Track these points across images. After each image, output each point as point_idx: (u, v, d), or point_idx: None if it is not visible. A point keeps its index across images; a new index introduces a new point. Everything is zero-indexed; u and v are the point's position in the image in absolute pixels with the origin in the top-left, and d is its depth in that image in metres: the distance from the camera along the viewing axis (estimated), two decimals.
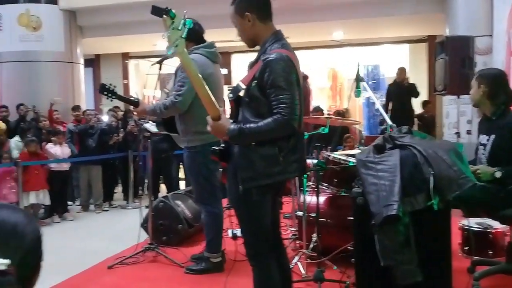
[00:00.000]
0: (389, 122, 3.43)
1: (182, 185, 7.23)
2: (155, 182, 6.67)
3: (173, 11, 2.05)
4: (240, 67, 10.73)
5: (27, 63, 8.17)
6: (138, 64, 12.33)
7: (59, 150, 6.34)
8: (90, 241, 5.01)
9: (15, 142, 6.35)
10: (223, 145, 2.22)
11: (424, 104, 8.98)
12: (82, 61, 9.23)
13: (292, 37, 10.04)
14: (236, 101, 2.20)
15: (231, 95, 2.21)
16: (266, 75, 2.07)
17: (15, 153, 6.06)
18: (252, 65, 2.28)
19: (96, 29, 9.23)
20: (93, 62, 11.75)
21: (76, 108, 7.55)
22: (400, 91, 8.26)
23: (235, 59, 10.97)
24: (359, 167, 2.56)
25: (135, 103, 3.53)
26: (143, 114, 3.72)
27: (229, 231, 4.47)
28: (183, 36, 2.03)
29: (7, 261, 0.77)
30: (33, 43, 8.22)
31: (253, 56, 2.48)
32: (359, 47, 10.62)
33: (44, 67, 8.26)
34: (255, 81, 2.11)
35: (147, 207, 4.75)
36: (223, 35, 7.19)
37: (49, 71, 8.30)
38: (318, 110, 7.36)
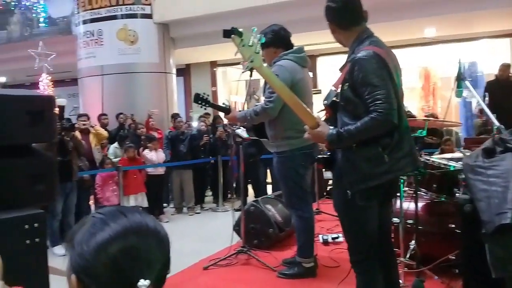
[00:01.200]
0: (497, 123, 3.15)
1: (269, 189, 7.29)
2: (244, 186, 6.78)
3: (240, 29, 2.11)
4: (326, 70, 10.59)
5: (126, 75, 8.74)
6: (225, 71, 12.68)
7: (154, 155, 6.70)
8: (185, 242, 5.20)
9: (113, 149, 6.82)
10: (329, 153, 2.18)
11: None
12: (174, 71, 9.69)
13: (381, 36, 9.72)
14: (332, 106, 2.15)
15: (325, 101, 2.18)
16: (355, 75, 2.03)
17: (114, 159, 6.50)
18: (342, 67, 2.23)
19: (187, 39, 9.64)
20: (183, 71, 12.29)
21: (175, 115, 7.91)
22: (502, 89, 7.60)
23: (321, 62, 10.87)
24: (466, 172, 2.38)
25: (227, 110, 3.61)
26: (234, 121, 3.79)
27: (320, 236, 4.41)
28: (257, 51, 2.08)
29: (147, 283, 0.79)
30: (130, 56, 8.79)
31: (339, 58, 2.46)
32: (453, 44, 9.98)
33: (140, 78, 8.80)
34: (347, 83, 2.06)
35: (236, 210, 4.84)
36: (308, 39, 7.17)
37: (145, 82, 8.83)
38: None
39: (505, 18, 8.43)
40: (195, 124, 8.18)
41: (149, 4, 8.96)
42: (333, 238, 4.41)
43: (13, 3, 11.52)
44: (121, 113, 7.86)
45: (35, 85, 10.50)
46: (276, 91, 2.24)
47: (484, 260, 2.20)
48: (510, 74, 7.78)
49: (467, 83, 3.39)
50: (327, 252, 4.04)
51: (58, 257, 4.39)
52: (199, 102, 3.63)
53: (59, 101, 5.75)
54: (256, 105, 3.56)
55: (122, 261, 0.80)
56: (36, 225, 2.46)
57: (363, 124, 1.98)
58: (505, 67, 7.79)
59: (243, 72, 3.96)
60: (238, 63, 11.85)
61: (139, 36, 8.86)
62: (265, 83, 3.47)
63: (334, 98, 2.13)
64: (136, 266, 0.80)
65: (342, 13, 2.20)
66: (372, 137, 2.02)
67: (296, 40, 3.67)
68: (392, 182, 2.20)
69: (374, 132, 2.00)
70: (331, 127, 2.11)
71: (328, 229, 4.80)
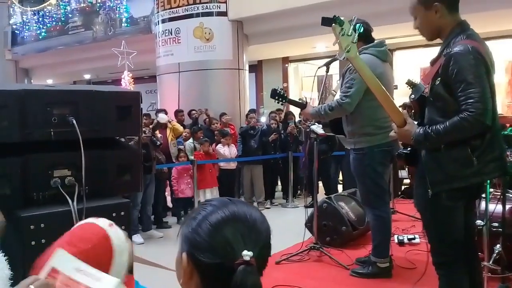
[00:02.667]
0: None
1: (339, 187, 7.19)
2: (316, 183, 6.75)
3: (342, 18, 2.05)
4: (403, 65, 10.22)
5: (201, 72, 9.00)
6: (297, 67, 12.66)
7: (227, 150, 6.86)
8: None
9: (188, 144, 7.06)
10: (409, 148, 2.12)
11: None
12: (247, 67, 9.83)
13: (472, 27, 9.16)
14: (420, 101, 2.07)
15: (413, 96, 2.10)
16: (450, 70, 1.92)
17: (189, 154, 6.73)
18: (434, 61, 2.13)
19: (260, 36, 9.74)
20: (255, 67, 12.44)
21: (251, 111, 8.04)
22: None
23: (398, 56, 10.51)
24: None
25: (303, 105, 3.61)
26: (307, 116, 3.78)
27: (395, 236, 4.29)
28: (354, 41, 2.03)
29: (250, 253, 0.84)
30: (206, 53, 9.05)
31: (417, 53, 2.35)
32: None
33: (215, 75, 9.02)
34: (439, 78, 1.97)
35: (307, 207, 4.82)
36: (385, 32, 6.94)
37: (219, 78, 9.04)
38: None
39: None
40: (263, 119, 8.24)
41: (225, 2, 9.14)
42: (409, 239, 4.27)
43: (98, 4, 12.27)
44: (193, 110, 8.11)
45: (117, 81, 11.14)
46: (368, 84, 2.18)
47: None
48: None
49: None
50: (403, 253, 3.92)
51: (137, 245, 4.64)
52: (276, 97, 3.66)
53: (161, 118, 6.24)
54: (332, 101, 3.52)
55: (230, 236, 0.87)
56: (122, 213, 2.62)
57: (451, 125, 1.88)
58: None
59: (319, 68, 3.95)
60: (309, 59, 11.82)
61: (214, 34, 9.07)
62: (343, 79, 3.43)
63: (423, 93, 2.05)
64: (241, 241, 0.86)
65: None
66: (461, 138, 1.93)
67: (375, 33, 3.59)
68: (479, 185, 2.08)
69: (464, 134, 1.91)
70: (418, 126, 2.03)
71: (404, 229, 4.65)
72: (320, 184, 7.34)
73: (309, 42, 9.72)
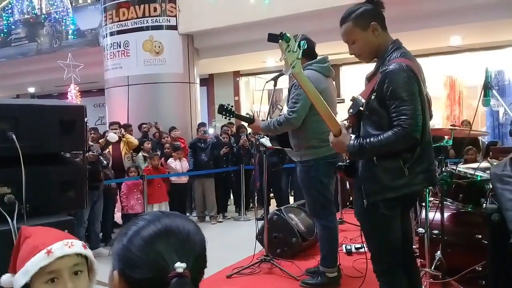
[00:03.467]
0: None
1: (291, 199, 7.29)
2: (267, 195, 6.80)
3: (288, 34, 2.12)
4: (349, 79, 10.57)
5: (151, 85, 8.92)
6: (248, 81, 12.79)
7: (179, 164, 6.79)
8: (207, 250, 5.24)
9: (139, 157, 6.94)
10: (348, 161, 2.19)
11: None
12: (198, 81, 9.83)
13: (406, 45, 9.64)
14: (357, 115, 2.16)
15: (351, 110, 2.18)
16: (385, 87, 2.01)
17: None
18: (370, 77, 2.23)
19: (210, 50, 9.78)
20: (207, 81, 12.45)
21: (201, 125, 8.00)
22: None
23: (344, 71, 10.86)
24: (494, 181, 2.35)
25: (250, 120, 3.65)
26: (257, 130, 3.83)
27: (343, 246, 4.39)
28: (298, 57, 2.09)
29: (183, 265, 0.84)
30: (156, 67, 8.98)
31: (362, 68, 2.44)
32: (479, 52, 9.84)
33: (165, 88, 8.97)
34: (374, 94, 2.06)
35: (259, 219, 4.85)
36: (332, 48, 7.18)
37: (170, 92, 9.00)
38: None
39: None
40: (211, 131, 8.23)
41: (175, 16, 9.14)
42: (356, 248, 4.38)
43: (43, 15, 11.90)
44: (143, 123, 8.00)
45: (63, 95, 10.80)
46: (308, 96, 2.25)
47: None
48: None
49: (494, 91, 3.34)
50: (351, 262, 4.01)
51: None
52: (224, 113, 3.69)
53: (111, 137, 6.11)
54: (280, 115, 3.58)
55: (162, 249, 0.86)
56: (66, 231, 2.54)
57: (385, 138, 1.98)
58: None
59: (267, 82, 4.02)
60: (260, 73, 11.98)
61: (165, 47, 9.03)
62: (289, 93, 3.50)
63: (360, 108, 2.13)
64: (174, 253, 0.86)
65: (380, 13, 2.17)
66: (393, 151, 2.02)
67: (319, 49, 3.70)
68: (411, 195, 2.18)
69: (395, 147, 2.00)
70: (353, 137, 2.11)
71: (352, 239, 4.77)
72: (272, 196, 7.43)
73: (259, 57, 9.86)
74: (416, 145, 2.01)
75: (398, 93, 1.97)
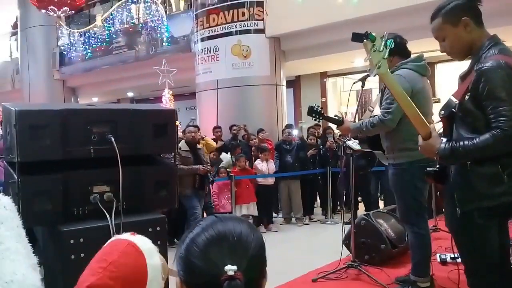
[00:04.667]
0: None
1: (381, 204, 7.03)
2: (354, 199, 6.64)
3: (373, 34, 2.03)
4: (445, 78, 9.96)
5: (239, 88, 9.13)
6: (335, 82, 12.60)
7: (265, 166, 6.87)
8: (293, 252, 5.24)
9: (227, 158, 7.13)
10: (438, 166, 2.05)
11: None
12: (284, 82, 9.87)
13: (506, 41, 8.87)
14: (449, 117, 2.01)
15: (442, 112, 2.04)
16: (481, 86, 1.85)
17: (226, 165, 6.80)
18: (464, 76, 2.06)
19: (297, 52, 9.77)
20: (293, 83, 12.46)
21: (287, 126, 8.05)
22: None
23: (440, 69, 10.26)
24: None
25: (339, 122, 3.54)
26: (347, 132, 3.72)
27: (437, 255, 4.14)
28: (385, 57, 1.99)
29: (234, 267, 0.86)
30: (243, 70, 9.16)
31: (459, 65, 2.26)
32: None
33: (253, 91, 9.12)
34: (469, 94, 1.90)
35: (346, 223, 4.73)
36: (425, 46, 6.81)
37: (257, 94, 9.13)
38: None
39: None
40: (295, 132, 8.19)
41: (262, 20, 9.27)
42: (452, 258, 4.09)
43: (140, 24, 12.72)
44: (234, 125, 8.20)
45: (158, 99, 11.43)
46: (396, 99, 2.15)
47: None
48: None
49: None
50: (446, 272, 3.76)
51: None
52: (313, 114, 3.64)
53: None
54: (372, 116, 3.46)
55: (215, 255, 0.90)
56: (158, 228, 2.67)
57: (482, 141, 1.81)
58: None
59: (355, 83, 3.91)
60: (348, 73, 11.74)
61: (252, 51, 9.19)
62: (382, 94, 3.37)
63: (453, 109, 1.99)
64: (226, 257, 0.89)
65: (477, 5, 2.02)
66: (494, 156, 1.85)
67: (414, 46, 3.53)
68: (510, 205, 1.95)
69: (493, 151, 1.83)
70: (444, 140, 1.96)
71: (447, 248, 4.46)
72: (361, 200, 7.23)
73: (347, 57, 9.66)
74: None
75: (495, 93, 1.81)
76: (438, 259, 4.11)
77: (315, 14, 8.51)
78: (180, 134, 8.97)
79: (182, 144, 5.58)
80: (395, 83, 2.12)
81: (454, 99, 2.01)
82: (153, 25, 12.23)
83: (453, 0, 2.03)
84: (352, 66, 10.82)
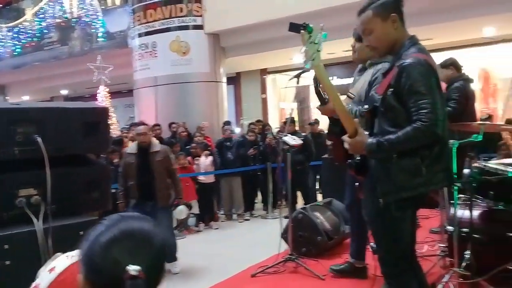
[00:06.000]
0: None
1: (319, 196, 7.23)
2: (293, 193, 6.77)
3: (311, 25, 2.05)
4: None
5: (178, 85, 9.01)
6: (275, 78, 12.76)
7: (205, 162, 6.83)
8: (233, 248, 5.27)
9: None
10: (358, 158, 2.13)
11: None
12: (224, 79, 9.87)
13: (437, 37, 9.44)
14: (371, 112, 2.10)
15: (366, 106, 2.13)
16: (403, 81, 1.94)
17: None
18: (386, 73, 2.16)
19: (237, 48, 9.80)
20: (234, 79, 12.49)
21: (226, 123, 8.04)
22: None
23: None
24: None
25: (324, 102, 3.21)
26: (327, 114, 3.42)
27: (370, 245, 4.31)
28: (319, 49, 2.02)
29: (137, 267, 0.87)
30: (182, 67, 9.06)
31: None
32: None
33: (192, 88, 9.05)
34: (391, 89, 2.00)
35: (285, 217, 4.83)
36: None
37: (197, 91, 9.07)
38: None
39: None
40: (237, 130, 8.26)
41: (200, 16, 9.20)
42: None
43: (74, 19, 12.22)
44: (173, 123, 8.09)
45: (94, 97, 11.06)
46: (326, 91, 2.20)
47: None
48: None
49: None
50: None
51: None
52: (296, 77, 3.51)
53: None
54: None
55: (118, 254, 0.90)
56: (81, 233, 2.58)
57: (404, 134, 1.90)
58: None
59: (290, 79, 3.96)
60: (287, 70, 11.92)
61: (191, 47, 9.11)
62: (369, 87, 3.27)
63: (375, 104, 2.07)
64: (129, 257, 0.89)
65: (400, 7, 2.10)
66: (413, 149, 1.95)
67: (348, 44, 3.61)
68: (425, 195, 2.10)
69: (416, 143, 1.93)
70: (371, 137, 2.05)
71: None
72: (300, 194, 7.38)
73: (286, 54, 9.81)
74: (437, 140, 1.93)
75: (416, 87, 1.90)
76: (371, 249, 4.28)
77: (254, 10, 8.57)
78: (118, 133, 8.79)
79: (131, 147, 4.78)
80: (327, 77, 2.17)
81: (376, 95, 2.10)
82: (87, 19, 11.79)
83: None
84: (291, 62, 11.01)
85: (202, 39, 9.22)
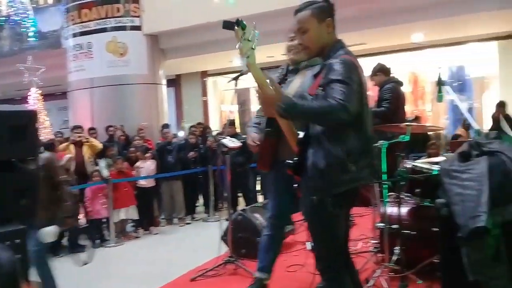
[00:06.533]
0: (475, 126, 3.19)
1: (260, 198, 7.30)
2: (233, 195, 6.79)
3: (244, 22, 2.07)
4: None
5: (115, 87, 8.77)
6: (216, 81, 12.74)
7: (148, 165, 6.69)
8: (174, 253, 5.21)
9: (103, 161, 6.81)
10: (296, 158, 2.18)
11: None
12: (164, 81, 9.73)
13: (369, 42, 9.85)
14: None
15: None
16: (327, 77, 2.02)
17: (105, 172, 6.48)
18: (316, 74, 2.24)
19: (176, 50, 9.70)
20: (174, 81, 12.34)
21: (165, 126, 7.92)
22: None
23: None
24: (443, 176, 2.40)
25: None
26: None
27: (307, 243, 4.41)
28: (253, 47, 2.04)
29: None
30: (120, 68, 8.83)
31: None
32: (441, 48, 10.09)
33: (130, 90, 8.85)
34: (320, 88, 2.07)
35: (227, 220, 4.84)
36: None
37: (135, 93, 8.88)
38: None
39: (492, 21, 8.52)
40: (181, 134, 8.20)
41: (138, 16, 9.02)
42: None
43: (2, 18, 11.55)
44: (110, 126, 7.86)
45: (25, 99, 10.51)
46: (261, 90, 2.21)
47: (461, 263, 2.23)
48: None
49: (447, 88, 3.43)
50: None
51: None
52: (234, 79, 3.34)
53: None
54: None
55: None
56: (17, 241, 2.46)
57: (319, 105, 1.96)
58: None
59: (228, 82, 3.97)
60: (227, 73, 11.94)
61: (129, 48, 8.91)
62: None
63: None
64: None
65: (334, 15, 2.17)
66: (339, 145, 2.02)
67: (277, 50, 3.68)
68: (355, 191, 2.18)
69: (325, 118, 1.99)
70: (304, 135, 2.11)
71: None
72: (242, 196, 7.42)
73: (226, 56, 9.83)
74: (342, 123, 1.97)
75: (335, 76, 1.97)
76: (309, 247, 4.38)
77: (194, 12, 8.52)
78: (51, 136, 8.40)
79: None
80: (261, 75, 2.20)
81: (308, 96, 2.16)
82: (17, 18, 11.18)
83: (320, 1, 2.16)
84: (231, 65, 11.05)
85: (140, 40, 9.05)
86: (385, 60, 7.36)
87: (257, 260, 3.35)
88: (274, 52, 8.75)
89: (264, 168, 3.10)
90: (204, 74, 12.27)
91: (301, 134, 2.16)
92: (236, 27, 2.05)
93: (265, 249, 3.30)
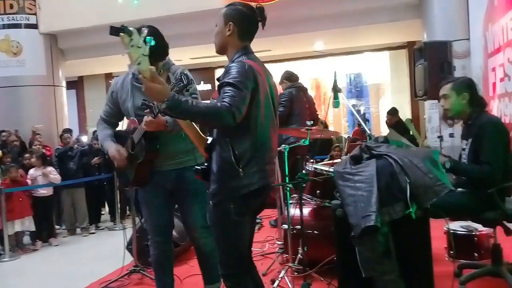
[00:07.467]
0: (367, 130, 3.44)
1: None
2: (137, 201, 6.60)
3: (130, 28, 2.01)
4: None
5: (9, 89, 8.15)
6: None
7: (42, 174, 6.25)
8: (75, 265, 4.94)
9: None
10: (206, 164, 2.17)
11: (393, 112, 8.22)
12: (64, 83, 9.20)
13: (275, 49, 10.17)
14: None
15: None
16: (223, 77, 2.04)
17: None
18: (219, 78, 2.26)
19: (77, 51, 9.21)
20: (76, 84, 11.71)
21: (66, 131, 7.46)
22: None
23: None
24: (336, 179, 2.55)
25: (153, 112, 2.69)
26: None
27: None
28: (145, 53, 1.98)
29: None
30: (14, 69, 8.21)
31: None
32: (340, 57, 10.73)
33: (26, 92, 8.25)
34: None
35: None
36: (205, 51, 7.23)
37: (31, 96, 8.30)
38: None
39: (385, 33, 9.24)
40: (84, 138, 7.82)
41: (34, 14, 8.44)
42: None
43: None
44: (3, 131, 7.25)
45: None
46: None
47: (355, 261, 2.39)
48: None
49: (341, 94, 3.67)
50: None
51: None
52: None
53: None
54: None
55: None
56: None
57: (205, 107, 1.94)
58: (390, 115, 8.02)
59: (131, 71, 3.84)
60: None
61: (24, 47, 8.31)
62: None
63: None
64: None
65: (250, 24, 2.20)
66: (229, 149, 2.03)
67: (194, 52, 3.66)
68: (260, 197, 2.15)
69: (211, 120, 1.97)
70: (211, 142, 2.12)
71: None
72: None
73: (128, 59, 9.52)
74: (228, 127, 1.96)
75: (230, 80, 1.98)
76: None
77: (95, 13, 8.14)
78: None
79: None
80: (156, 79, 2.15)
81: (213, 100, 2.18)
82: None
83: (239, 6, 2.21)
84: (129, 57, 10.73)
85: (37, 40, 8.48)
86: (290, 66, 7.66)
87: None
88: (181, 56, 8.70)
89: (141, 183, 2.96)
90: (109, 76, 11.79)
91: (210, 140, 2.16)
92: (121, 34, 1.98)
93: (162, 270, 3.16)
